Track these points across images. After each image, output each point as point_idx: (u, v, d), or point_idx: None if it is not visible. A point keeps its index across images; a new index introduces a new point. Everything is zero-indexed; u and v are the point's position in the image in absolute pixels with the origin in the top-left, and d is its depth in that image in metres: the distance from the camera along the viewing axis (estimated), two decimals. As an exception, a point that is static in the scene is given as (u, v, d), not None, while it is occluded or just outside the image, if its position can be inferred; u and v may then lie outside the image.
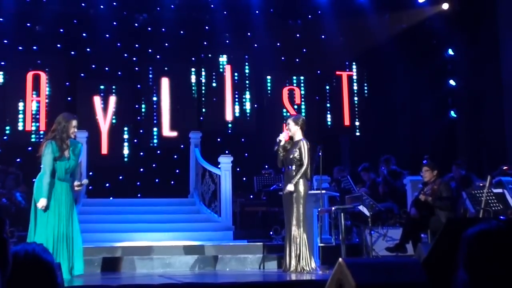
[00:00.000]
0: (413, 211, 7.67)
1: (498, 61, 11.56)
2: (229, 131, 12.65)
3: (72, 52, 12.03)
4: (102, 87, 12.03)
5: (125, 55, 12.23)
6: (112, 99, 11.94)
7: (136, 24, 12.41)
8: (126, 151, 12.06)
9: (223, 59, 12.81)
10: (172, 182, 11.74)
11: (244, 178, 11.52)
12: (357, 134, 13.21)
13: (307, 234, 6.67)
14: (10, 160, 10.19)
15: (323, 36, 13.05)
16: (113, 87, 12.15)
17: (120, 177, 11.84)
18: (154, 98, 12.33)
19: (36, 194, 5.86)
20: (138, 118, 12.31)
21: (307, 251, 6.56)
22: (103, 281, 6.13)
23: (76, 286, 5.36)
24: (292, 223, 6.58)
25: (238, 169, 10.74)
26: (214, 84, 12.75)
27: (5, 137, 11.50)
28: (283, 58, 12.98)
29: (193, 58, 12.71)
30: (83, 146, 9.83)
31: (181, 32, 12.54)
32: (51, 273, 1.69)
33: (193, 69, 12.67)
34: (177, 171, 11.69)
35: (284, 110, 12.79)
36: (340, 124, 13.08)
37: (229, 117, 12.64)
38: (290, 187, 6.62)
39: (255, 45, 12.78)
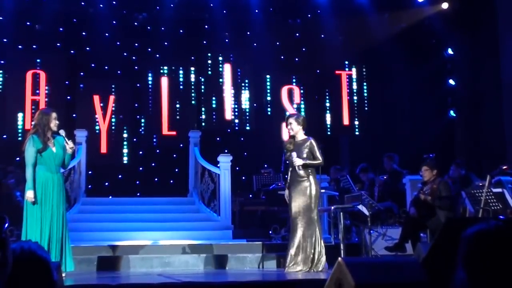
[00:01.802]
0: (413, 211, 7.67)
1: (497, 61, 11.57)
2: (229, 130, 12.65)
3: (72, 51, 12.03)
4: (101, 86, 12.01)
5: (125, 54, 12.23)
6: (112, 98, 11.93)
7: (135, 23, 12.41)
8: (125, 150, 12.06)
9: (222, 58, 12.80)
10: (172, 181, 11.74)
11: (244, 177, 11.52)
12: (357, 133, 13.20)
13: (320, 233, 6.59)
14: (9, 159, 10.17)
15: (322, 36, 13.04)
16: (113, 86, 12.14)
17: (120, 176, 11.83)
18: (154, 97, 12.31)
19: (27, 190, 5.90)
20: (138, 117, 12.31)
21: (322, 250, 6.50)
22: (102, 280, 6.13)
23: (76, 285, 5.35)
24: (304, 222, 6.48)
25: (237, 168, 10.74)
26: (213, 83, 12.74)
27: (4, 136, 11.51)
28: (282, 57, 12.97)
29: (192, 57, 12.71)
30: (83, 144, 9.87)
31: (181, 31, 12.53)
32: (47, 270, 1.69)
33: (192, 68, 12.67)
34: (177, 170, 11.69)
35: (284, 109, 12.79)
36: (340, 123, 13.07)
37: (228, 116, 12.64)
38: (299, 161, 6.49)
39: (255, 44, 12.78)
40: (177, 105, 12.40)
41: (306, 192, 6.52)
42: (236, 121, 12.73)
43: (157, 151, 12.18)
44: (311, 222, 6.48)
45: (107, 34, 12.02)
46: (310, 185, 6.54)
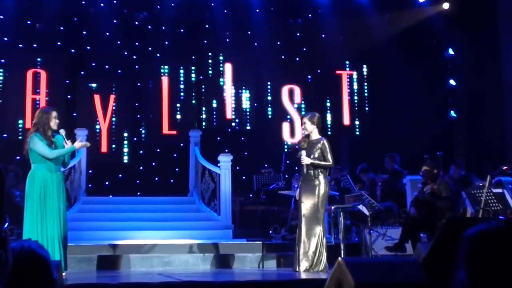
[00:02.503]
0: (413, 211, 7.66)
1: (498, 61, 11.57)
2: (229, 130, 12.65)
3: (72, 50, 12.03)
4: (101, 85, 12.01)
5: (125, 53, 12.22)
6: (112, 97, 11.93)
7: (136, 22, 12.41)
8: (126, 149, 12.06)
9: (223, 57, 12.80)
10: (172, 181, 11.74)
11: (244, 177, 11.52)
12: (357, 133, 13.20)
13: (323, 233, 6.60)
14: (9, 157, 10.17)
15: (323, 35, 13.04)
16: (113, 85, 12.14)
17: (120, 175, 11.83)
18: (154, 97, 12.31)
19: (29, 189, 5.88)
20: (138, 116, 12.31)
21: (324, 250, 6.50)
22: (102, 279, 6.13)
23: (75, 285, 5.35)
24: (309, 221, 6.48)
25: (237, 168, 10.74)
26: (214, 83, 12.74)
27: (4, 135, 11.51)
28: (283, 57, 12.97)
29: (193, 57, 12.71)
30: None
31: (181, 30, 12.53)
32: (47, 269, 1.69)
33: (193, 68, 12.67)
34: (177, 169, 11.68)
35: (284, 109, 12.79)
36: (340, 123, 13.07)
37: (228, 115, 12.64)
38: (307, 160, 6.50)
39: (255, 44, 12.78)
40: (178, 105, 12.40)
41: (315, 191, 6.53)
42: (237, 120, 12.73)
43: (158, 150, 12.17)
44: (317, 221, 6.49)
45: (107, 33, 12.02)
46: (319, 185, 6.54)
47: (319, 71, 13.17)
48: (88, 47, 12.11)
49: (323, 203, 6.58)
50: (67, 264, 6.00)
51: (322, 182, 6.56)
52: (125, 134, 12.10)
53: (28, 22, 11.77)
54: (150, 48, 12.41)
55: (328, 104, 13.19)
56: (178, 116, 12.33)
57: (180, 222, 9.20)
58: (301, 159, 6.57)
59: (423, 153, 9.35)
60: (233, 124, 12.70)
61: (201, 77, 12.71)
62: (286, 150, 12.04)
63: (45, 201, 5.86)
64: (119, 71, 12.22)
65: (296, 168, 7.25)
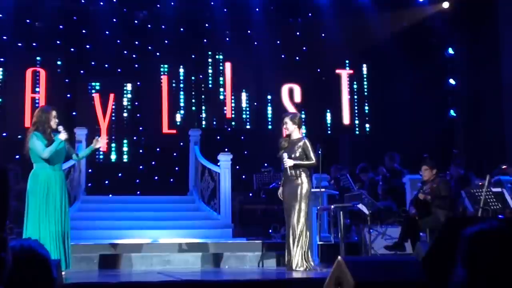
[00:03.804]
0: (412, 210, 7.67)
1: (498, 61, 11.58)
2: (229, 129, 12.65)
3: (72, 49, 12.02)
4: (101, 84, 12.00)
5: (125, 52, 12.21)
6: (112, 96, 11.92)
7: (136, 21, 12.40)
8: (125, 149, 12.05)
9: (223, 56, 12.80)
10: (172, 180, 11.74)
11: (244, 176, 11.51)
12: (357, 133, 13.20)
13: (310, 231, 6.63)
14: (9, 157, 10.17)
15: (323, 35, 13.03)
16: (113, 84, 12.13)
17: (120, 175, 11.83)
18: (154, 96, 12.30)
19: (31, 188, 5.88)
20: (138, 115, 12.30)
21: (308, 249, 6.52)
22: (102, 278, 6.14)
23: (75, 284, 5.35)
24: (296, 221, 6.53)
25: (237, 167, 10.73)
26: (213, 82, 12.74)
27: (4, 134, 11.50)
28: (283, 56, 12.97)
29: (193, 56, 12.70)
30: (83, 143, 9.86)
31: (181, 29, 12.53)
32: (46, 268, 1.70)
33: (193, 67, 12.66)
34: (177, 168, 11.69)
35: (284, 108, 12.78)
36: (340, 123, 13.07)
37: (228, 114, 12.63)
38: (290, 162, 6.52)
39: (255, 43, 12.77)
40: (178, 104, 12.40)
41: (297, 191, 6.55)
42: (237, 119, 12.72)
43: (157, 149, 12.17)
44: (300, 221, 6.49)
45: (107, 32, 12.01)
46: (301, 184, 6.55)
47: (319, 70, 13.16)
48: (88, 46, 12.10)
49: (306, 202, 6.58)
50: (70, 262, 5.99)
51: (304, 181, 6.57)
52: (125, 133, 12.09)
53: (27, 20, 11.76)
54: (150, 47, 12.40)
55: (328, 103, 13.19)
56: (178, 115, 12.33)
57: (180, 221, 9.20)
58: (283, 162, 6.59)
59: (423, 152, 9.36)
60: (233, 123, 12.70)
61: (201, 76, 12.70)
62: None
63: (47, 200, 5.86)
64: (119, 70, 12.22)
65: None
